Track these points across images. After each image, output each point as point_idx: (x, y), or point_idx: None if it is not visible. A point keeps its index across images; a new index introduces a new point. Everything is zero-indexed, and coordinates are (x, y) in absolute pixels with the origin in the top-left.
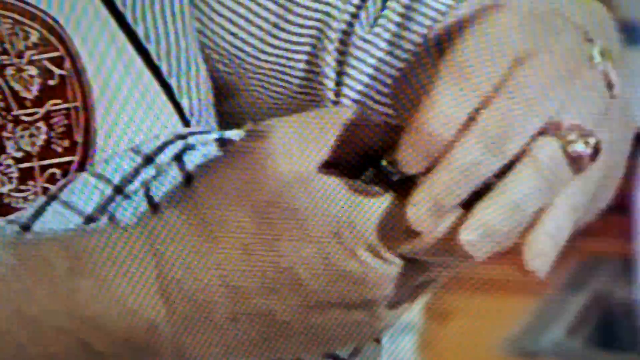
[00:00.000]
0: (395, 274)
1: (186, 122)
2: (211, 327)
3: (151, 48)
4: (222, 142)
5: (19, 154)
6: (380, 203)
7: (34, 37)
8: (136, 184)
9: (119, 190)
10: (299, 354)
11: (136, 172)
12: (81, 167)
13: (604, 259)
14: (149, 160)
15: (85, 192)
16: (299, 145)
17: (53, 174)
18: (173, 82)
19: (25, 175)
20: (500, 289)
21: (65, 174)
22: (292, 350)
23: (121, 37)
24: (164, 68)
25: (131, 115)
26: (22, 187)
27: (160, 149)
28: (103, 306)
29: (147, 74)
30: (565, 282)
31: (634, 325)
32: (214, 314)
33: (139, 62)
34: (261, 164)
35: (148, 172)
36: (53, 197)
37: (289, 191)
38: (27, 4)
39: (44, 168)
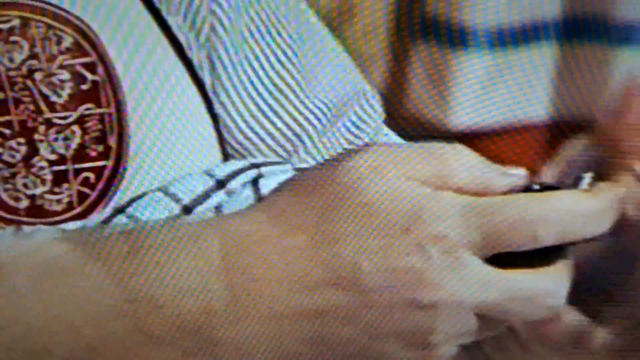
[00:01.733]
0: (466, 280)
1: (219, 129)
2: (270, 320)
3: (194, 57)
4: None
5: (53, 157)
6: (468, 199)
7: (66, 42)
8: (205, 207)
9: (187, 210)
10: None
11: (207, 195)
12: (114, 172)
13: None
14: (221, 184)
15: (154, 209)
16: (382, 158)
17: (87, 178)
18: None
19: (59, 178)
20: None
21: (98, 178)
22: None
23: (162, 44)
24: (207, 81)
25: (165, 123)
26: (57, 190)
27: (233, 175)
28: (162, 287)
29: (187, 83)
30: None
31: None
32: (275, 305)
33: (177, 69)
34: (337, 161)
35: (219, 196)
36: (120, 210)
37: (362, 184)
38: (61, 9)
39: (77, 171)
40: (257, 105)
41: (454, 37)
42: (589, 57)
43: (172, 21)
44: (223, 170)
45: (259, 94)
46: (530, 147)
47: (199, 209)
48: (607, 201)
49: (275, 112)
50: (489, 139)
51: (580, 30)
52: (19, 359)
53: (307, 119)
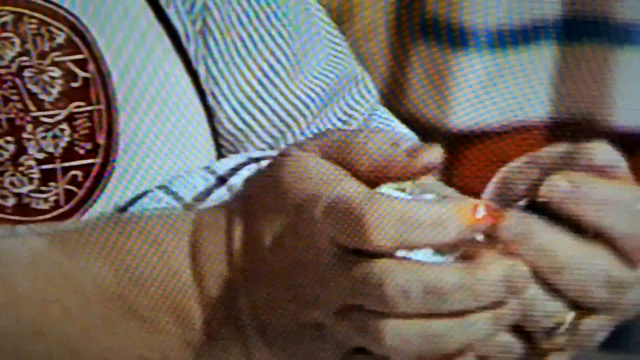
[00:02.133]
0: (325, 273)
1: (213, 124)
2: (236, 300)
3: (190, 49)
4: None
5: (41, 155)
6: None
7: (59, 39)
8: (207, 204)
9: (189, 208)
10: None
11: (209, 192)
12: (102, 169)
13: None
14: (222, 181)
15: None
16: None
17: (75, 176)
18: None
19: (47, 177)
20: None
21: (86, 176)
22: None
23: (157, 37)
24: (201, 71)
25: (157, 118)
26: (44, 188)
27: (234, 170)
28: (149, 266)
29: (182, 77)
30: None
31: (636, 325)
32: (217, 283)
33: (175, 65)
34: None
35: (220, 193)
36: (122, 209)
37: (285, 167)
38: (54, 4)
39: (65, 170)
40: (245, 93)
41: (454, 37)
42: (589, 57)
43: (171, 10)
44: (224, 166)
45: (247, 82)
46: (530, 147)
47: (200, 206)
48: (452, 209)
49: (264, 101)
50: (489, 139)
51: (580, 30)
52: (13, 343)
53: (295, 107)
